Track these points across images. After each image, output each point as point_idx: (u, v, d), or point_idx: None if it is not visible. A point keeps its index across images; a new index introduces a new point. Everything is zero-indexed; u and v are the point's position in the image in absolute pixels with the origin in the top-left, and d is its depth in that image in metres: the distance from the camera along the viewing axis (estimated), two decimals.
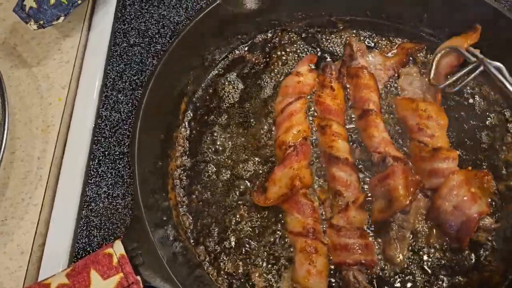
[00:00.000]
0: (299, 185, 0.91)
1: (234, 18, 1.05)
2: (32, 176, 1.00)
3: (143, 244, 0.81)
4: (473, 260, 0.90)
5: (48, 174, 1.00)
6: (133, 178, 0.85)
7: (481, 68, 0.96)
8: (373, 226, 0.92)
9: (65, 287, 0.76)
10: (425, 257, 0.91)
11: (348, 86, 1.04)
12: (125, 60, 1.12)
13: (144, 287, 0.79)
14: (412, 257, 0.91)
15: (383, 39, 1.09)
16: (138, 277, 0.78)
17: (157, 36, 1.15)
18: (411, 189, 0.90)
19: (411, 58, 1.06)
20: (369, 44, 1.08)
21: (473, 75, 0.97)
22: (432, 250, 0.91)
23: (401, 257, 0.91)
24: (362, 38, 1.09)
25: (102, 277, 0.77)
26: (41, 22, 1.05)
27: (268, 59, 1.08)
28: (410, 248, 0.91)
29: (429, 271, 0.90)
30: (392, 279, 0.89)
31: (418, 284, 0.89)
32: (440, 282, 0.89)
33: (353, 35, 1.09)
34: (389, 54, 1.08)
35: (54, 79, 1.09)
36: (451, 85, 0.99)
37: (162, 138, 0.98)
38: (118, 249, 0.79)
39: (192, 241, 0.93)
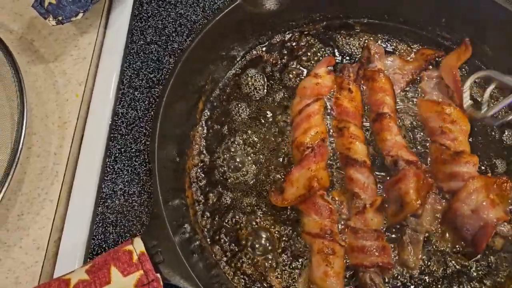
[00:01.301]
0: (317, 187, 0.91)
1: (253, 18, 1.05)
2: (48, 171, 1.00)
3: (162, 242, 0.81)
4: (488, 266, 0.90)
5: (65, 170, 1.00)
6: (152, 175, 0.85)
7: None
8: (387, 230, 0.92)
9: (85, 283, 0.76)
10: (440, 262, 0.91)
11: (364, 88, 1.04)
12: (141, 57, 1.13)
13: (164, 285, 0.79)
14: (427, 261, 0.91)
15: (401, 43, 1.09)
16: (158, 275, 0.78)
17: (174, 34, 1.15)
18: (422, 192, 0.91)
19: (431, 62, 1.06)
20: (388, 49, 1.08)
21: None
22: (447, 255, 0.91)
23: (415, 260, 0.91)
24: (380, 41, 1.09)
25: (123, 274, 0.76)
26: (60, 18, 1.05)
27: (285, 60, 1.08)
28: (424, 252, 0.91)
29: (443, 275, 0.90)
30: (406, 283, 0.89)
31: None
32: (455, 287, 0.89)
33: (371, 38, 1.09)
34: (408, 59, 1.08)
35: (71, 75, 1.10)
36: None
37: (179, 137, 0.98)
38: (138, 246, 0.79)
39: (208, 240, 0.93)
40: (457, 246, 0.92)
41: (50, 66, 1.11)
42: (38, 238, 0.94)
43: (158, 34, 1.15)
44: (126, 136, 1.04)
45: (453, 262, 0.91)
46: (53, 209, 0.97)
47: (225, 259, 0.91)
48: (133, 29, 1.15)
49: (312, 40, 1.10)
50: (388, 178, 0.95)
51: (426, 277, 0.90)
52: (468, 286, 0.89)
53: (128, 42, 1.14)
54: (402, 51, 1.09)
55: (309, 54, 1.09)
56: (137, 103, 1.08)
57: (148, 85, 1.10)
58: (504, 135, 1.01)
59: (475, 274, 0.89)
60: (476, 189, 0.91)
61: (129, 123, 1.06)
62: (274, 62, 1.08)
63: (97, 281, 0.76)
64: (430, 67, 1.06)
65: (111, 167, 1.01)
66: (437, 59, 1.07)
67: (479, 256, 0.90)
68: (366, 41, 1.09)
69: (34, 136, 1.03)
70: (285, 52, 1.09)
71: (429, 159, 0.98)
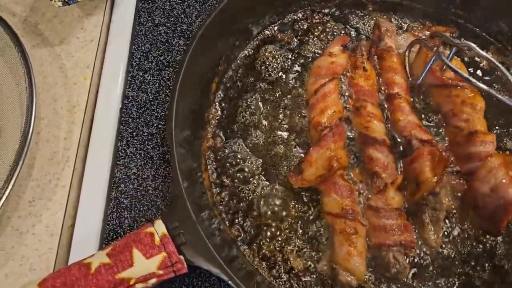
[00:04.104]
0: (337, 166, 0.89)
1: None
2: (59, 157, 0.98)
3: (184, 223, 0.79)
4: (510, 243, 0.90)
5: (75, 155, 0.98)
6: (171, 156, 0.83)
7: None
8: (407, 210, 0.91)
9: (107, 266, 0.74)
10: (461, 240, 0.90)
11: (377, 66, 1.03)
12: (150, 40, 1.10)
13: (187, 267, 0.77)
14: (448, 240, 0.90)
15: (415, 22, 1.08)
16: (181, 257, 0.76)
17: (182, 16, 1.13)
18: (438, 170, 0.90)
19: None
20: (400, 27, 1.07)
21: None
22: (469, 233, 0.90)
23: (436, 239, 0.90)
24: (393, 20, 1.08)
25: (145, 256, 0.75)
26: None
27: (299, 39, 1.07)
28: (445, 231, 0.90)
29: (465, 254, 0.89)
30: (428, 261, 0.88)
31: (455, 267, 0.88)
32: (479, 266, 0.88)
33: (384, 16, 1.08)
34: (422, 36, 1.06)
35: (78, 58, 1.07)
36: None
37: (194, 118, 0.96)
38: (159, 228, 0.77)
39: (227, 222, 0.91)
40: (478, 225, 0.91)
41: (56, 50, 1.08)
42: (51, 225, 0.92)
43: (166, 15, 1.13)
44: (137, 120, 1.02)
45: (475, 240, 0.90)
46: (65, 194, 0.95)
47: (245, 241, 0.90)
48: (140, 10, 1.13)
49: (324, 19, 1.08)
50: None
51: (448, 256, 0.89)
52: (491, 264, 0.88)
53: (136, 24, 1.11)
54: (416, 29, 1.07)
55: (322, 32, 1.07)
56: (147, 85, 1.05)
57: (158, 67, 1.07)
58: None
59: (497, 252, 0.89)
60: (494, 167, 0.89)
61: (140, 106, 1.03)
62: (287, 41, 1.07)
63: (119, 264, 0.74)
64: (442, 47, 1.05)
65: (123, 151, 0.99)
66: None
67: (501, 234, 0.90)
68: (376, 18, 1.08)
69: (43, 121, 1.01)
70: (298, 31, 1.07)
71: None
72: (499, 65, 0.87)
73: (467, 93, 0.96)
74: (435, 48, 0.94)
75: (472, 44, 0.90)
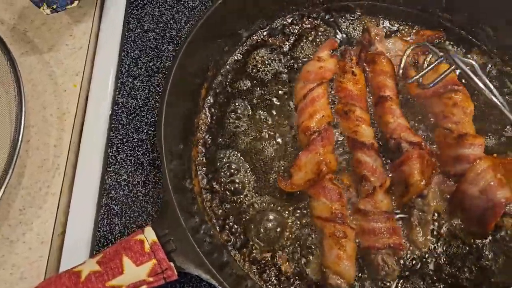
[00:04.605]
0: (326, 170, 0.90)
1: (255, 2, 1.03)
2: (49, 164, 0.98)
3: (174, 230, 0.79)
4: (497, 245, 0.91)
5: (66, 162, 0.98)
6: (160, 163, 0.83)
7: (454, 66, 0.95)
8: (395, 212, 0.92)
9: (97, 274, 0.74)
10: (449, 241, 0.91)
11: (367, 70, 1.04)
12: (139, 46, 1.10)
13: (178, 273, 0.78)
14: (436, 241, 0.91)
15: (403, 25, 1.09)
16: (171, 263, 0.77)
17: (171, 22, 1.13)
18: (427, 173, 0.91)
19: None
20: (389, 30, 1.08)
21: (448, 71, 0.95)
22: (457, 235, 0.91)
23: (424, 241, 0.91)
24: (381, 24, 1.09)
25: (135, 264, 0.75)
26: (54, 6, 1.02)
27: (288, 44, 1.07)
28: (433, 233, 0.91)
29: (453, 255, 0.90)
30: (417, 263, 0.89)
31: (442, 268, 0.89)
32: (465, 267, 0.89)
33: (372, 20, 1.09)
34: (409, 40, 1.07)
35: (67, 66, 1.07)
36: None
37: (184, 125, 0.96)
38: (149, 235, 0.77)
39: (218, 228, 0.92)
40: (466, 226, 0.92)
41: (45, 57, 1.08)
42: (42, 232, 0.92)
43: (155, 21, 1.13)
44: (127, 126, 1.02)
45: (463, 241, 0.91)
46: (56, 202, 0.95)
47: (235, 246, 0.90)
48: (129, 17, 1.13)
49: (313, 23, 1.09)
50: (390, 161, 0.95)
51: (436, 257, 0.90)
52: (478, 265, 0.89)
53: (125, 30, 1.11)
54: (404, 33, 1.08)
55: (312, 37, 1.08)
56: (137, 92, 1.06)
57: (147, 73, 1.07)
58: None
59: (485, 253, 0.90)
60: (483, 170, 0.90)
61: (130, 113, 1.04)
62: (278, 45, 1.07)
63: (110, 271, 0.74)
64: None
65: (113, 158, 0.99)
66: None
67: (488, 236, 0.91)
68: (366, 23, 1.08)
69: (32, 129, 1.01)
70: (287, 35, 1.08)
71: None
72: (487, 83, 0.93)
73: (459, 96, 0.97)
74: (442, 53, 0.96)
75: (457, 60, 0.93)
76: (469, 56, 1.05)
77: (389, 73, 1.02)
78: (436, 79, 0.95)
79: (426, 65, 0.99)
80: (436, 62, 0.96)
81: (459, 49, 1.07)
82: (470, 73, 0.93)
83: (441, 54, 0.96)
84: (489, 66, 1.05)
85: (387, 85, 1.01)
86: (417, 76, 0.97)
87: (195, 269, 0.77)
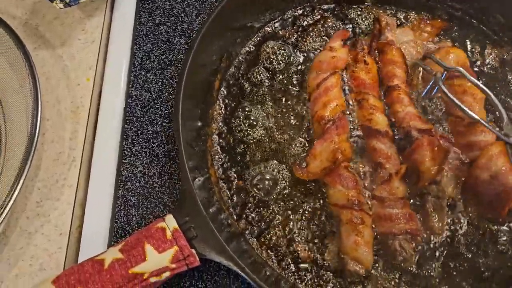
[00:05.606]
0: (341, 158, 0.91)
1: None
2: (65, 157, 0.98)
3: (194, 218, 0.80)
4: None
5: (81, 154, 0.99)
6: (178, 153, 0.84)
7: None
8: (410, 199, 0.93)
9: (120, 261, 0.75)
10: (466, 227, 0.91)
11: (378, 60, 1.05)
12: (151, 39, 1.11)
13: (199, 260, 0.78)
14: (452, 227, 0.91)
15: (413, 16, 1.10)
16: (193, 250, 0.77)
17: (182, 15, 1.14)
18: (438, 159, 0.91)
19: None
20: (399, 20, 1.09)
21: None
22: (472, 220, 0.92)
23: (441, 226, 0.91)
24: (391, 14, 1.10)
25: (157, 251, 0.75)
26: (67, 0, 1.03)
27: (299, 35, 1.08)
28: (449, 217, 0.92)
29: (470, 240, 0.91)
30: (433, 249, 0.90)
31: (459, 253, 0.90)
32: (481, 251, 0.90)
33: (381, 11, 1.10)
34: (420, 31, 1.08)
35: (80, 60, 1.07)
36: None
37: (199, 116, 0.97)
38: (170, 223, 0.78)
39: (235, 216, 0.92)
40: (480, 212, 0.92)
41: (58, 51, 1.08)
42: (60, 224, 0.93)
43: (166, 15, 1.14)
44: (141, 118, 1.03)
45: (479, 227, 0.91)
46: (73, 194, 0.95)
47: (253, 234, 0.91)
48: (141, 10, 1.14)
49: (324, 14, 1.10)
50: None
51: (453, 242, 0.90)
52: (494, 250, 0.90)
53: (136, 24, 1.12)
54: (414, 22, 1.09)
55: (322, 28, 1.09)
56: (150, 84, 1.06)
57: (160, 66, 1.08)
58: None
59: (502, 238, 0.90)
60: (494, 155, 0.91)
61: (144, 105, 1.04)
62: (288, 37, 1.08)
63: (132, 259, 0.75)
64: (443, 40, 1.07)
65: (128, 150, 1.00)
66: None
67: (505, 221, 0.91)
68: (377, 13, 1.09)
69: (47, 122, 1.01)
70: (299, 27, 1.09)
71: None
72: (489, 92, 0.94)
73: (468, 83, 0.98)
74: (434, 73, 0.99)
75: (462, 70, 0.95)
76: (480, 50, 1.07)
77: (399, 63, 1.03)
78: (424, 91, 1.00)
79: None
80: (428, 87, 1.00)
81: (471, 43, 1.07)
82: (454, 100, 0.94)
83: (449, 67, 0.98)
84: (504, 55, 1.05)
85: (396, 74, 1.02)
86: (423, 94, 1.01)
87: (216, 255, 0.78)
